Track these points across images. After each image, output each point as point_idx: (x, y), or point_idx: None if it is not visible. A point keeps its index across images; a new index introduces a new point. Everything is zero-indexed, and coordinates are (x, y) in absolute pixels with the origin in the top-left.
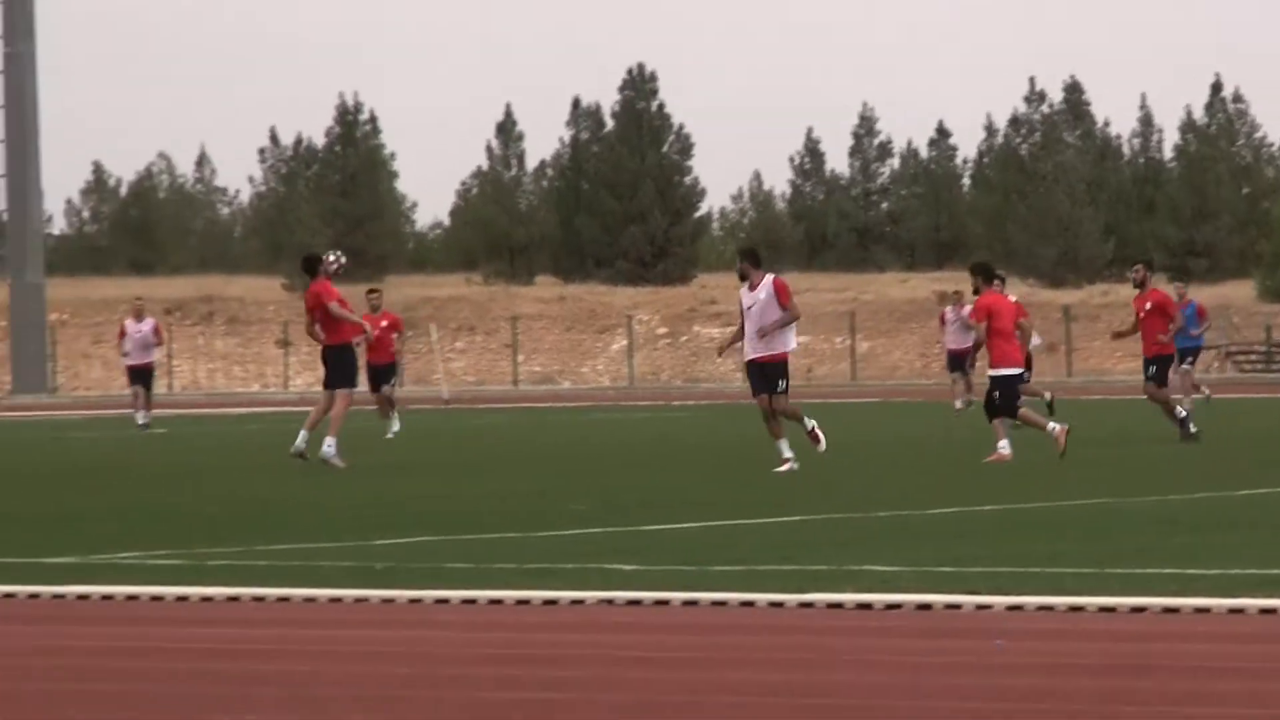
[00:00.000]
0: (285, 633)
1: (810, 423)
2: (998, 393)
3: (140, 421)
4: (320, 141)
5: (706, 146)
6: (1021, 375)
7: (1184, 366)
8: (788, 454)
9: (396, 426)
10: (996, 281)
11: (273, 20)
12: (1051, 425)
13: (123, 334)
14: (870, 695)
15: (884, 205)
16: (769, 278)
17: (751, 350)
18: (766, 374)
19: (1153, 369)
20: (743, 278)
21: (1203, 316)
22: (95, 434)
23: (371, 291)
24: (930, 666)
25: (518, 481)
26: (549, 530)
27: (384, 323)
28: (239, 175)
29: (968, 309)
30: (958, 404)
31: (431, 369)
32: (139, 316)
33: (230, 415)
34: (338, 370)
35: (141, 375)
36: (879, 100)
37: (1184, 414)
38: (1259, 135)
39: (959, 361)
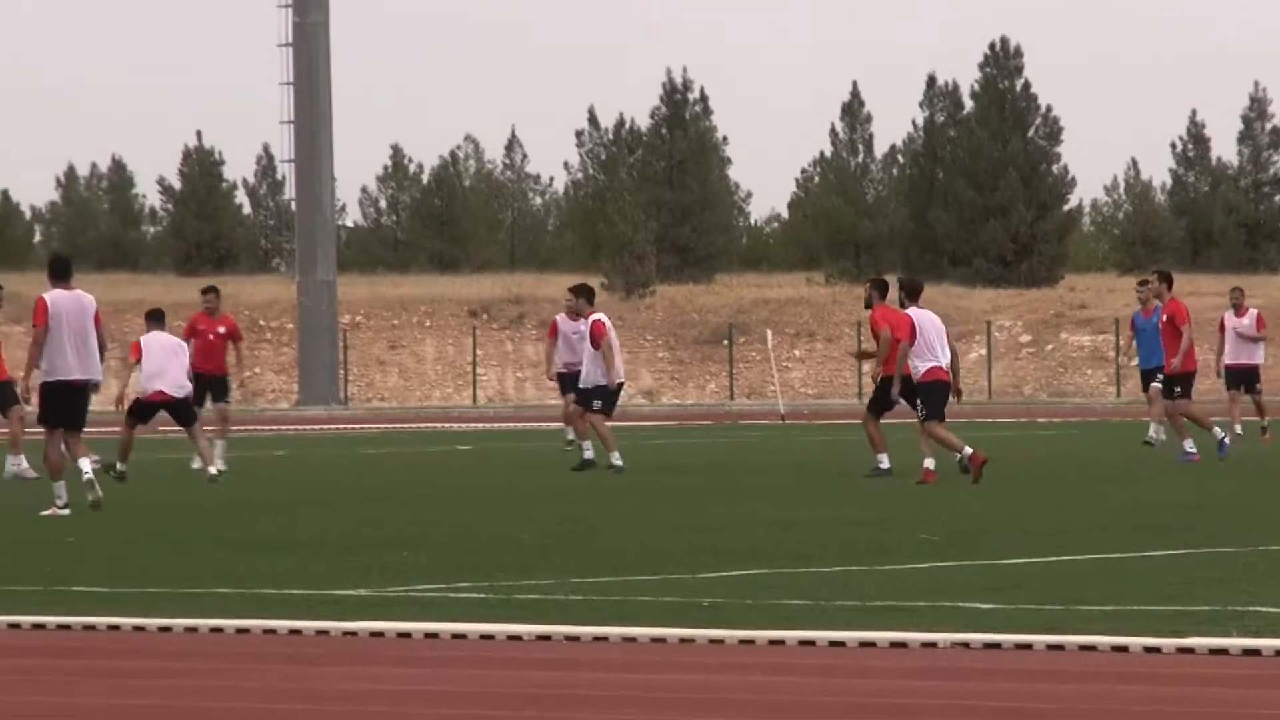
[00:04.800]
0: (601, 676)
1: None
2: None
3: (570, 438)
4: (644, 124)
5: (1077, 131)
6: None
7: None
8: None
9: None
10: None
11: None
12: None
13: (554, 332)
14: None
15: (1277, 198)
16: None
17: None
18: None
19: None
20: None
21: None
22: (390, 450)
23: (206, 291)
24: None
25: (858, 508)
26: (895, 563)
27: (220, 329)
28: (553, 161)
29: (1252, 314)
30: (1237, 428)
31: (766, 380)
32: (574, 313)
33: (542, 430)
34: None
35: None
36: (1272, 79)
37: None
38: None
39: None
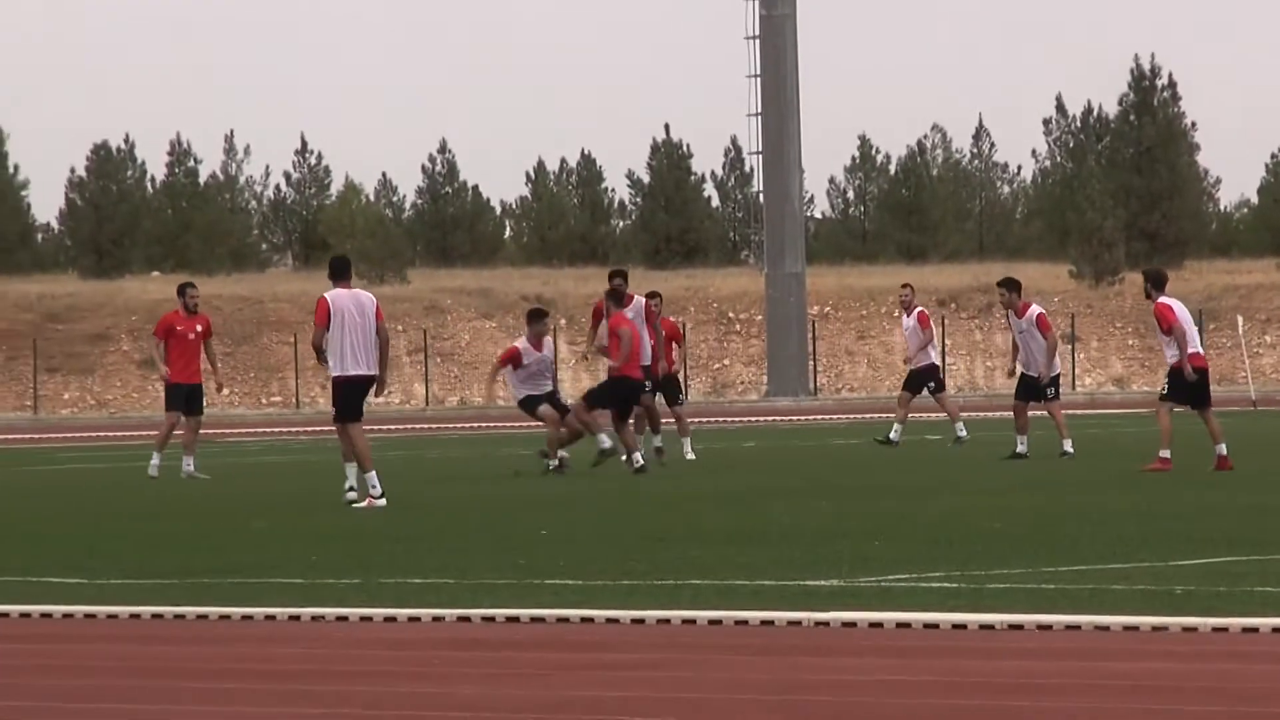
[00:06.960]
0: (1071, 665)
1: None
2: None
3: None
4: (1112, 110)
5: None
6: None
7: None
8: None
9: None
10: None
11: None
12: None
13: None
14: None
15: None
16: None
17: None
18: None
19: None
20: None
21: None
22: (860, 440)
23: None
24: None
25: None
26: None
27: (198, 327)
28: (1021, 149)
29: None
30: None
31: (1236, 366)
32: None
33: (1007, 420)
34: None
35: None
36: None
37: None
38: None
39: None
